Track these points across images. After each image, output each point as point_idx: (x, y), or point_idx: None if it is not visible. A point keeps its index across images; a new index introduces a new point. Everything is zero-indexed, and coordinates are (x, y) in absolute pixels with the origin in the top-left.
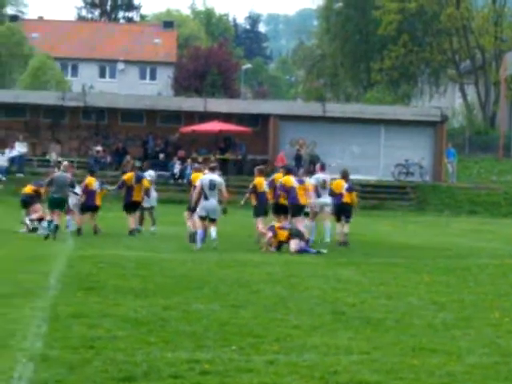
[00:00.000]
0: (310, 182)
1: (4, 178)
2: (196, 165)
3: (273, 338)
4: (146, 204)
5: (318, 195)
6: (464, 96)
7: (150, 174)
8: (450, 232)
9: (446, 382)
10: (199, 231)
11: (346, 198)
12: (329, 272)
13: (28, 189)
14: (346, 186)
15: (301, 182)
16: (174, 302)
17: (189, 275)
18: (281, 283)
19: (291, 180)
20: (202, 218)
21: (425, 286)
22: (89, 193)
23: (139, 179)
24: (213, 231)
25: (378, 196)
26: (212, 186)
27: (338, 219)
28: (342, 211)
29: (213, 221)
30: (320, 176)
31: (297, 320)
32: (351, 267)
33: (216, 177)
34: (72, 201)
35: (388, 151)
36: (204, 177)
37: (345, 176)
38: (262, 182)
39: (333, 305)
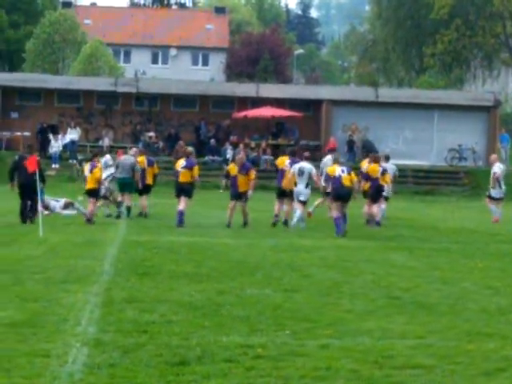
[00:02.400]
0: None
1: (57, 165)
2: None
3: (326, 323)
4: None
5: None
6: None
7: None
8: (504, 217)
9: (501, 366)
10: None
11: (382, 181)
12: (382, 257)
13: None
14: (380, 169)
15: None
16: (228, 287)
17: (243, 260)
18: (334, 268)
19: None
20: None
21: (479, 271)
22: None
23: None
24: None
25: (431, 181)
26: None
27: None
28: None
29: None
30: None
31: (350, 304)
32: (404, 252)
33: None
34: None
35: (441, 136)
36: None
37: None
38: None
39: (387, 289)
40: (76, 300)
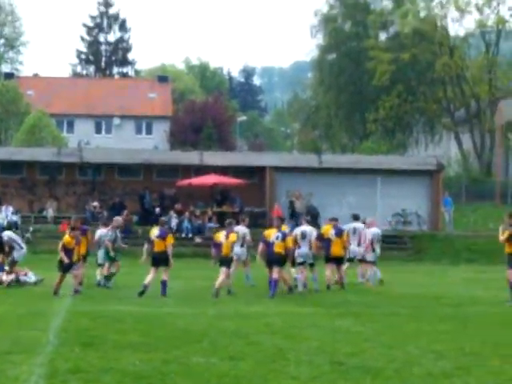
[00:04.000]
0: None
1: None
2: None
3: None
4: None
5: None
6: (459, 144)
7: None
8: (449, 281)
9: None
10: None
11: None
12: (328, 322)
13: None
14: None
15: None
16: (174, 356)
17: (188, 328)
18: (279, 334)
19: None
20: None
21: (424, 334)
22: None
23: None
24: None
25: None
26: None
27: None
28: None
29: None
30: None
31: (296, 371)
32: (350, 317)
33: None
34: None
35: (385, 201)
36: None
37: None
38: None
39: (332, 355)
40: (21, 371)
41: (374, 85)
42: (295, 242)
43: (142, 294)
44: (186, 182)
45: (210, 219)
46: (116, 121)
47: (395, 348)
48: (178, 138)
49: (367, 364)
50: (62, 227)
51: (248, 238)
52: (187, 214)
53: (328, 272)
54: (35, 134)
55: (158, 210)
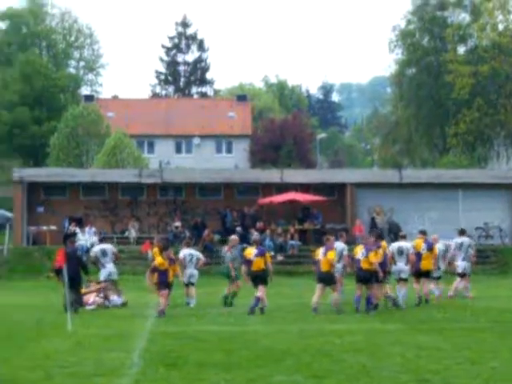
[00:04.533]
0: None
1: (85, 258)
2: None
3: None
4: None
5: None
6: None
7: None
8: None
9: None
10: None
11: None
12: (411, 339)
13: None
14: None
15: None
16: (258, 375)
17: (272, 347)
18: (363, 352)
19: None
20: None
21: (508, 350)
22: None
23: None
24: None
25: None
26: None
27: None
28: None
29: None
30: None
31: None
32: (433, 333)
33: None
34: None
35: (467, 215)
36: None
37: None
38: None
39: (416, 372)
40: None
41: (454, 98)
42: (391, 258)
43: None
44: (267, 199)
45: (291, 237)
46: (196, 140)
47: (479, 364)
48: (258, 156)
49: (451, 381)
50: (144, 248)
51: (345, 253)
52: (268, 231)
53: (417, 286)
54: (116, 155)
55: (239, 229)
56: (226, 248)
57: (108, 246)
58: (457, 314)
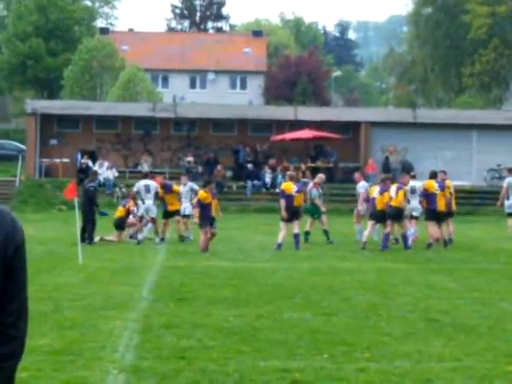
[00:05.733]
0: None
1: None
2: (289, 172)
3: (364, 346)
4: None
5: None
6: None
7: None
8: None
9: None
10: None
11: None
12: (421, 279)
13: (119, 212)
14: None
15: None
16: (266, 311)
17: (281, 284)
18: (372, 290)
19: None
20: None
21: None
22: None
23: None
24: None
25: (472, 202)
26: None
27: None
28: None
29: None
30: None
31: (388, 327)
32: (444, 274)
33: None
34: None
35: (480, 156)
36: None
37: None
38: (290, 187)
39: (425, 312)
40: (114, 327)
41: (470, 39)
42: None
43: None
44: (279, 137)
45: (303, 174)
46: (211, 76)
47: (489, 305)
48: (273, 93)
49: (460, 321)
50: (155, 181)
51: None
52: (280, 169)
53: (434, 228)
54: (130, 89)
55: (250, 165)
56: (311, 184)
57: (152, 183)
58: (467, 255)
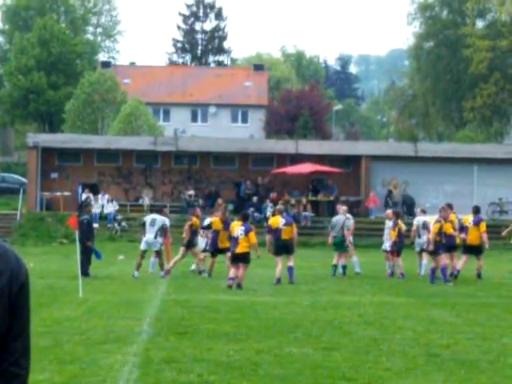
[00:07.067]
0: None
1: (97, 225)
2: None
3: (365, 381)
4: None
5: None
6: None
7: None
8: None
9: None
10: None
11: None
12: (422, 313)
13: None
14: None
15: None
16: (267, 346)
17: (282, 318)
18: (373, 325)
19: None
20: None
21: None
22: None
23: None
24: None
25: None
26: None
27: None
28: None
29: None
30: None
31: (389, 362)
32: (446, 308)
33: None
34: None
35: (481, 190)
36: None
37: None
38: (277, 221)
39: (426, 346)
40: (115, 361)
41: (471, 73)
42: (415, 231)
43: (292, 278)
44: (281, 170)
45: (304, 208)
46: (212, 109)
47: (490, 339)
48: (274, 126)
49: (461, 356)
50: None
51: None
52: (281, 202)
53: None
54: (132, 122)
55: (255, 198)
56: (344, 217)
57: (160, 218)
58: (470, 289)
